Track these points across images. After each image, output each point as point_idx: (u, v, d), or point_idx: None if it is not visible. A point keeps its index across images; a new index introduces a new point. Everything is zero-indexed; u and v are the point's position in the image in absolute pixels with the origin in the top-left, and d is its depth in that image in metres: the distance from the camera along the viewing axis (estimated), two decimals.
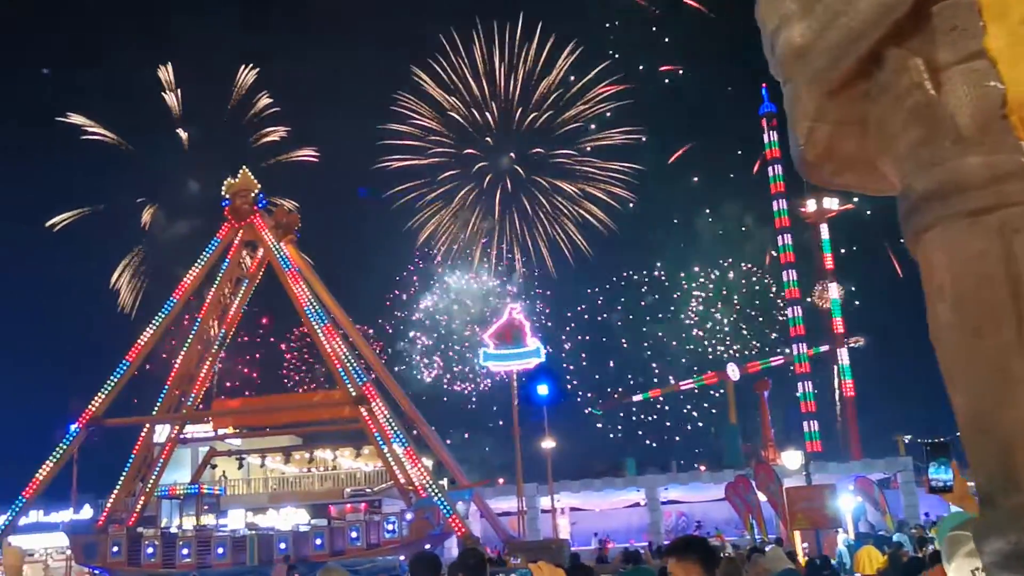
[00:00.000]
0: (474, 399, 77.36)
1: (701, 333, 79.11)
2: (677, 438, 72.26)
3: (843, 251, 66.91)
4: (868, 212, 66.02)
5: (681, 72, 78.84)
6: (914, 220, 2.02)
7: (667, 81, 79.92)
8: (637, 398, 67.64)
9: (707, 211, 78.66)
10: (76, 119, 73.22)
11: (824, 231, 59.89)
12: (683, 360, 77.47)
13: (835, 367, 58.63)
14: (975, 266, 1.88)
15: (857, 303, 69.72)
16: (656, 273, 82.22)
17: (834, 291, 59.42)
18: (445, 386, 77.54)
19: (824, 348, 58.69)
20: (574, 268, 79.92)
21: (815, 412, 54.10)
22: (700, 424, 75.76)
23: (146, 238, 75.65)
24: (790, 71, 2.20)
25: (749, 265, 78.58)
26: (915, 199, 2.00)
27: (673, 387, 66.38)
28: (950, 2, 1.91)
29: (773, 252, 69.08)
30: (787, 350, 61.10)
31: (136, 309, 72.26)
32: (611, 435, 75.21)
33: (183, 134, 77.06)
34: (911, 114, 1.99)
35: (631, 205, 78.01)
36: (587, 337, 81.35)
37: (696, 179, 79.01)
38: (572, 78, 78.46)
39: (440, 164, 79.99)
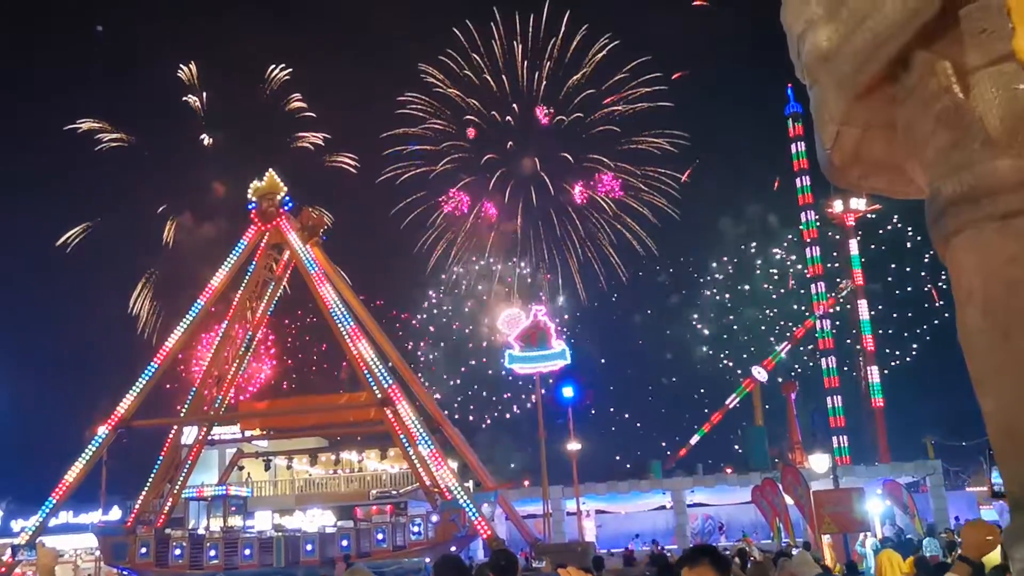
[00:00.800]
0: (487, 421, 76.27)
1: (710, 353, 78.21)
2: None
3: (871, 248, 65.92)
4: (895, 216, 65.16)
5: (689, 75, 77.66)
6: (943, 224, 2.00)
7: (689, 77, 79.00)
8: (694, 440, 65.23)
9: (730, 214, 77.98)
10: (90, 125, 73.24)
11: (853, 246, 58.47)
12: (706, 365, 77.11)
13: (864, 384, 57.62)
14: (1005, 270, 1.86)
15: (883, 306, 69.04)
16: (677, 272, 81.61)
17: (864, 310, 58.30)
18: (456, 408, 76.58)
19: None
20: (601, 275, 79.51)
21: (844, 427, 53.44)
22: (726, 426, 75.07)
23: (169, 248, 75.69)
24: (816, 75, 2.18)
25: (779, 252, 77.46)
26: (944, 202, 1.99)
27: (722, 409, 64.44)
28: (978, 5, 1.89)
29: (799, 266, 68.38)
30: (793, 330, 60.47)
31: (159, 319, 72.24)
32: (636, 436, 74.71)
33: (208, 139, 77.35)
34: (939, 117, 1.97)
35: (655, 221, 77.44)
36: (602, 339, 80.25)
37: (717, 187, 78.07)
38: (583, 81, 77.71)
39: (456, 168, 79.71)
